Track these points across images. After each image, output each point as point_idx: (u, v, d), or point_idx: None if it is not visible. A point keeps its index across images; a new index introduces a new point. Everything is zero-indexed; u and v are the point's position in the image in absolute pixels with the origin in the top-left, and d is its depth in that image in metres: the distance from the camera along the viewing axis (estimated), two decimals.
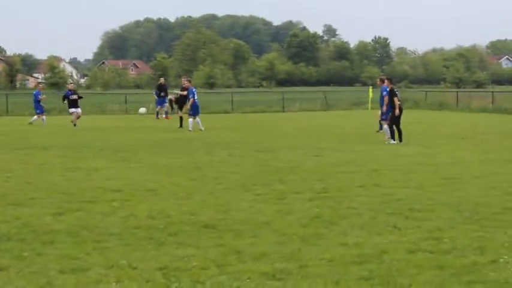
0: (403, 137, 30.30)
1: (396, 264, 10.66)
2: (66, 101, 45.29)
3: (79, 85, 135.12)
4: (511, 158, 24.80)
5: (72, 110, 43.95)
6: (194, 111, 38.79)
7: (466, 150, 27.56)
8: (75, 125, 42.33)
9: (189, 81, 43.27)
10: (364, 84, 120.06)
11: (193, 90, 39.66)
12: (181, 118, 42.14)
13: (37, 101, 48.34)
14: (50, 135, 35.80)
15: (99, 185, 18.81)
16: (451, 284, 9.68)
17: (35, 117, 47.38)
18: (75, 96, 44.55)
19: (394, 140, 29.68)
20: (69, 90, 45.94)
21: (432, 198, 16.46)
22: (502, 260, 10.88)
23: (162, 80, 57.69)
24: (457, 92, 79.19)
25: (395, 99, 30.68)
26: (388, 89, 32.20)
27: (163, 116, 51.40)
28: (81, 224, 13.86)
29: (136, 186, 18.56)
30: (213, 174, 20.80)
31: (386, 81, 33.14)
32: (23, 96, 73.43)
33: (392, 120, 30.42)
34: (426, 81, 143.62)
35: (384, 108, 31.61)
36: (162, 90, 51.28)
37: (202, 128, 38.40)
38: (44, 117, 47.49)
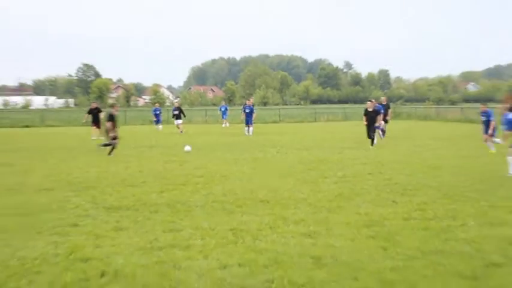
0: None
1: (394, 227, 10.72)
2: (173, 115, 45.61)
3: (172, 104, 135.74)
4: (475, 154, 24.60)
5: (177, 122, 44.13)
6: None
7: (443, 148, 27.35)
8: (181, 131, 42.43)
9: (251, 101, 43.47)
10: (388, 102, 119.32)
11: (251, 107, 40.16)
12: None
13: (156, 115, 50.00)
14: (154, 138, 36.01)
15: (188, 173, 18.97)
16: (433, 240, 9.74)
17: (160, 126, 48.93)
18: (176, 112, 44.62)
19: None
20: (175, 107, 45.98)
21: (420, 182, 16.42)
22: (468, 224, 10.92)
23: (223, 101, 61.86)
24: (436, 107, 78.58)
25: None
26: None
27: (226, 125, 52.38)
28: (176, 199, 14.04)
29: (214, 173, 18.69)
30: (266, 165, 20.89)
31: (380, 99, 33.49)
32: (135, 112, 74.04)
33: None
34: (415, 100, 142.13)
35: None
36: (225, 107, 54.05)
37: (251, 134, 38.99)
38: (160, 126, 48.50)
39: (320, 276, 7.88)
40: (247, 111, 40.14)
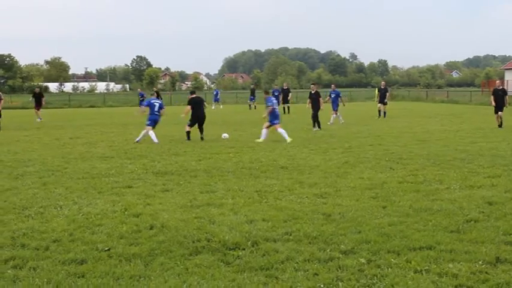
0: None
1: (391, 190, 10.61)
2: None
3: (210, 89, 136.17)
4: (457, 128, 24.36)
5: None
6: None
7: (431, 124, 27.07)
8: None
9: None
10: (373, 87, 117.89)
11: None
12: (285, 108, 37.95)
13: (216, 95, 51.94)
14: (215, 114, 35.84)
15: (221, 144, 18.96)
16: (423, 200, 9.62)
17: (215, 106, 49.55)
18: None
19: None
20: (216, 90, 45.98)
21: (412, 152, 16.25)
22: (452, 187, 10.79)
23: (253, 86, 59.61)
24: (426, 91, 77.77)
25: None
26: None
27: (254, 107, 48.97)
28: (212, 165, 14.02)
29: (242, 145, 18.66)
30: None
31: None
32: (179, 95, 74.19)
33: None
34: (409, 85, 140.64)
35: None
36: (253, 92, 50.15)
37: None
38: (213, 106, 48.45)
39: (330, 229, 7.81)
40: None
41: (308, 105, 25.71)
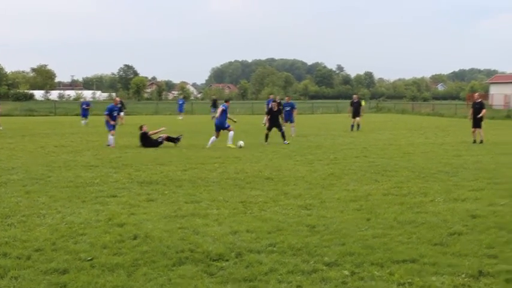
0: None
1: (376, 202, 10.64)
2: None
3: (196, 98, 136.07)
4: (442, 141, 24.49)
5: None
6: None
7: (417, 137, 27.22)
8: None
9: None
10: (359, 99, 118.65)
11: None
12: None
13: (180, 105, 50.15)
14: (181, 126, 35.83)
15: (207, 155, 18.90)
16: (407, 213, 9.66)
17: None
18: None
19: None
20: (182, 99, 45.47)
21: (397, 164, 16.31)
22: (436, 200, 10.84)
23: (214, 97, 54.19)
24: (412, 103, 78.34)
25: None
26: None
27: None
28: (197, 176, 13.98)
29: (229, 155, 18.63)
30: (272, 149, 20.79)
31: None
32: (165, 104, 74.12)
33: None
34: (395, 97, 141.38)
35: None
36: (214, 103, 47.69)
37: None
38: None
39: (314, 241, 7.82)
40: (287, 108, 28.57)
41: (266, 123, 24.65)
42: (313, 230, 8.49)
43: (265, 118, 21.16)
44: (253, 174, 14.35)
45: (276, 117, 23.83)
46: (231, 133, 21.99)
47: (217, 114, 22.21)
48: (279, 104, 24.61)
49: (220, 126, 22.06)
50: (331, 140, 25.12)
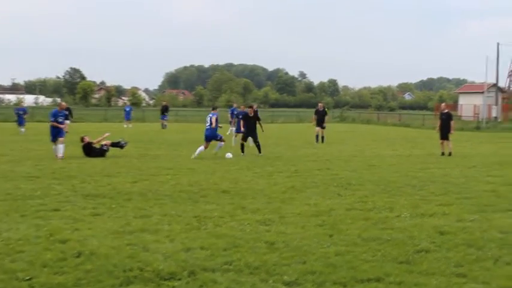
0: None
1: (339, 217, 10.70)
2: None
3: (148, 104, 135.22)
4: (409, 153, 24.87)
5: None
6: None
7: (383, 149, 27.57)
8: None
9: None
10: (324, 108, 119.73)
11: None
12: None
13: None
14: (131, 135, 35.48)
15: (159, 165, 18.78)
16: (372, 229, 9.72)
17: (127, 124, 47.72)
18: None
19: None
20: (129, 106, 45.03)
21: (361, 177, 16.47)
22: (403, 215, 10.95)
23: (164, 103, 53.22)
24: (378, 113, 79.46)
25: None
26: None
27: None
28: (147, 188, 13.86)
29: (181, 166, 18.54)
30: (228, 160, 20.80)
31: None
32: (115, 111, 73.42)
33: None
34: (360, 106, 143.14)
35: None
36: (164, 110, 48.23)
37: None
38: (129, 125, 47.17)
39: (273, 259, 7.80)
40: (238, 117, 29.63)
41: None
42: (272, 247, 8.47)
43: (230, 128, 21.24)
44: (208, 186, 14.28)
45: (253, 126, 23.92)
46: (222, 144, 22.46)
47: (213, 124, 21.98)
48: (256, 111, 24.54)
49: (212, 137, 22.10)
50: (292, 151, 25.24)
